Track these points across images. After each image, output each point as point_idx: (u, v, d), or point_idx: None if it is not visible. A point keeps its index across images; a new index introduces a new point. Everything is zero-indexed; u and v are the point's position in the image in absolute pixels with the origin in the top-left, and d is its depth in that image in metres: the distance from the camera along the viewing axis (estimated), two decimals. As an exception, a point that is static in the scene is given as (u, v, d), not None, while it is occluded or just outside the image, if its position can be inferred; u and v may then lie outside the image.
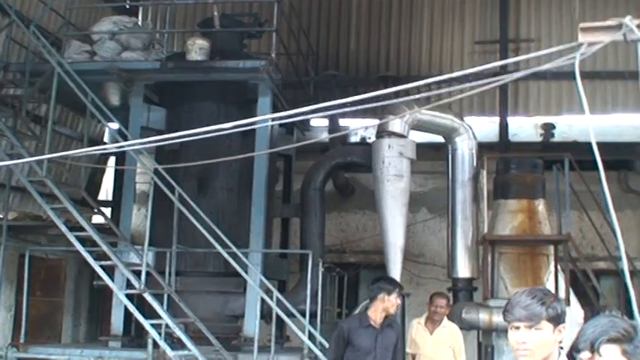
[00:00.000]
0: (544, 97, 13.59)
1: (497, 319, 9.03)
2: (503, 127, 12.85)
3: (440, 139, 11.54)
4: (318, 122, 13.71)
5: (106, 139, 14.72)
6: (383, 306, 6.38)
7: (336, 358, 6.35)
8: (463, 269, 10.19)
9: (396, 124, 9.73)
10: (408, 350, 8.22)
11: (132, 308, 7.46)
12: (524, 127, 13.30)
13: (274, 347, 8.48)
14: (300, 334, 8.10)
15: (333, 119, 12.96)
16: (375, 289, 6.44)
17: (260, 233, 9.11)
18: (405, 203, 9.66)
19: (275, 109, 10.09)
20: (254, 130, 9.48)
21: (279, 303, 8.24)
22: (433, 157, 12.89)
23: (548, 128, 13.02)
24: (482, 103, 13.59)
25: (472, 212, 10.36)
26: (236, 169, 9.84)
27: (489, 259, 9.27)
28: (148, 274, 8.23)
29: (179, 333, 7.22)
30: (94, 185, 14.22)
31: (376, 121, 13.43)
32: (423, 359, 7.79)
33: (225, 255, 8.05)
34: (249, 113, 9.68)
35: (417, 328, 7.99)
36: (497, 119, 13.36)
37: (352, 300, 13.19)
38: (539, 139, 13.14)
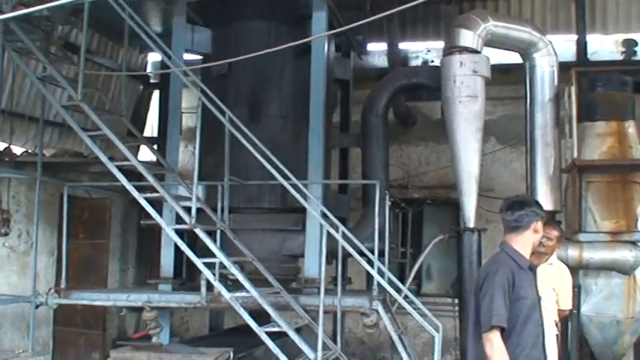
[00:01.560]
0: (623, 12, 12.31)
1: (589, 255, 8.18)
2: (582, 45, 11.68)
3: (509, 59, 10.55)
4: (376, 47, 12.74)
5: (149, 69, 14.01)
6: (534, 239, 4.63)
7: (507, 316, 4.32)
8: (545, 201, 9.18)
9: (467, 38, 8.73)
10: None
11: (182, 245, 6.78)
12: (604, 45, 12.10)
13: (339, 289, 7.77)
14: (372, 272, 7.34)
15: (392, 41, 11.97)
16: (524, 215, 4.47)
17: (319, 164, 8.35)
18: (479, 128, 8.74)
19: (331, 28, 9.19)
20: (309, 50, 8.68)
21: (344, 240, 7.45)
22: (502, 81, 11.80)
23: (630, 46, 11.81)
24: (557, 19, 12.41)
25: (554, 138, 9.40)
26: (290, 94, 9.05)
27: (578, 188, 8.30)
28: (198, 210, 7.53)
29: (235, 272, 6.54)
30: (139, 119, 13.60)
31: (440, 43, 12.55)
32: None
33: (287, 185, 7.27)
34: (303, 32, 8.82)
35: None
36: (573, 37, 12.16)
37: (416, 238, 12.42)
38: (620, 57, 11.94)
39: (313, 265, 8.12)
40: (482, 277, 4.43)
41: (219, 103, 7.67)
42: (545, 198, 9.25)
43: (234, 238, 7.28)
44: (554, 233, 6.83)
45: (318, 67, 8.59)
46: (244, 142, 7.66)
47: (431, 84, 9.22)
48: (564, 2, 12.34)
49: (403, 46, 12.58)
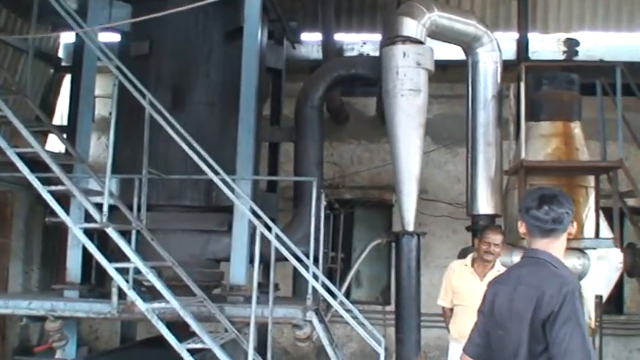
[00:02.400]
0: (565, 11, 12.13)
1: (536, 261, 7.72)
2: (523, 44, 11.38)
3: (445, 55, 10.14)
4: (310, 37, 12.13)
5: (61, 53, 12.96)
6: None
7: None
8: (485, 205, 8.89)
9: (411, 27, 8.24)
10: (440, 302, 6.87)
11: (91, 247, 5.94)
12: (545, 44, 11.85)
13: (265, 297, 7.09)
14: (310, 279, 6.70)
15: (327, 32, 11.37)
16: (564, 214, 3.39)
17: (249, 158, 7.63)
18: (422, 123, 8.25)
19: (264, 11, 8.52)
20: (240, 33, 7.98)
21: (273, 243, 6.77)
22: (438, 79, 11.30)
23: (572, 45, 11.59)
24: (496, 15, 12.11)
25: (496, 137, 9.03)
26: (218, 79, 8.32)
27: (522, 191, 7.90)
28: (111, 207, 6.71)
29: (154, 280, 5.76)
30: (48, 106, 12.53)
31: (376, 36, 12.06)
32: (468, 313, 5.62)
33: (215, 179, 6.52)
34: (234, 12, 8.13)
35: (459, 272, 6.58)
36: (513, 35, 11.86)
37: (347, 242, 11.84)
38: (562, 57, 11.71)
39: (239, 270, 7.43)
40: (556, 299, 3.21)
41: (138, 84, 6.84)
42: (486, 201, 8.91)
43: (152, 240, 6.48)
44: (499, 237, 6.46)
45: (250, 51, 7.87)
46: (167, 128, 6.85)
47: (370, 75, 8.65)
48: (506, -1, 12.05)
49: (338, 37, 11.98)
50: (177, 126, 7.01)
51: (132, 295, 5.87)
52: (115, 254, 6.43)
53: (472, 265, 6.49)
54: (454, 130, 12.07)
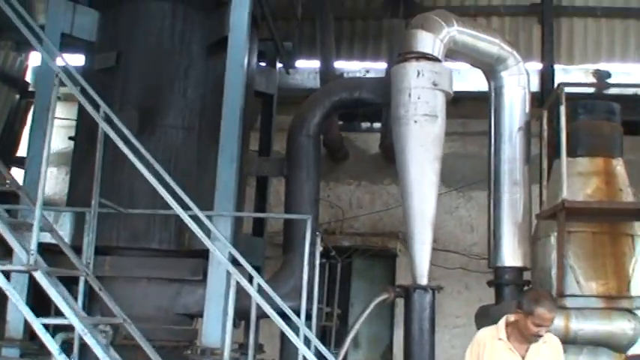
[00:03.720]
0: (592, 40, 11.12)
1: (578, 326, 6.50)
2: (547, 74, 10.32)
3: (459, 85, 9.04)
4: (306, 64, 11.08)
5: (29, 77, 11.82)
6: None
7: None
8: (511, 255, 7.69)
9: (427, 42, 7.14)
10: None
11: (13, 296, 4.63)
12: (572, 75, 10.78)
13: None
14: (300, 345, 5.38)
15: (325, 58, 10.28)
16: None
17: (230, 192, 6.46)
18: (438, 156, 7.10)
19: (254, 24, 7.44)
20: (224, 45, 6.88)
21: (260, 296, 5.55)
22: (449, 114, 10.29)
23: (602, 77, 10.51)
24: (516, 43, 11.00)
25: (523, 176, 7.83)
26: (196, 99, 7.22)
27: (561, 239, 6.67)
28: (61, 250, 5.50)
29: (89, 340, 4.46)
30: (13, 134, 11.37)
31: (380, 64, 11.01)
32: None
33: (185, 217, 5.28)
34: (219, 20, 7.04)
35: (492, 348, 5.08)
36: (535, 65, 10.80)
37: (344, 296, 10.57)
38: (591, 90, 10.63)
39: (214, 329, 6.17)
40: None
41: (97, 99, 5.66)
42: (512, 251, 7.74)
43: (99, 290, 5.19)
44: (552, 314, 4.91)
45: (235, 66, 6.80)
46: (129, 154, 5.64)
47: (377, 99, 7.52)
48: (526, 24, 11.03)
49: (338, 65, 10.91)
50: (143, 151, 5.80)
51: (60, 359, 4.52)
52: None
53: (508, 338, 4.99)
54: (467, 172, 11.00)
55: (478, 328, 8.40)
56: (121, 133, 5.83)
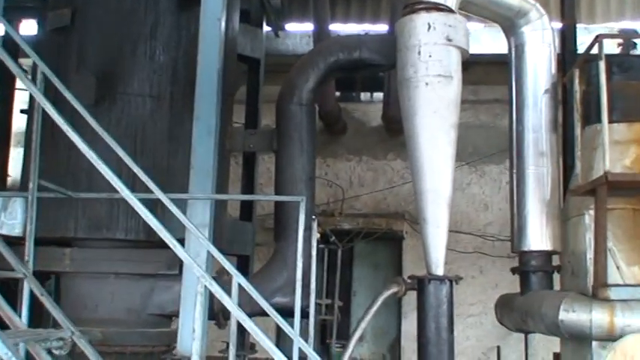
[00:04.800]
0: (614, -1, 10.15)
1: (624, 321, 5.51)
2: (569, 34, 9.26)
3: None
4: (297, 28, 10.07)
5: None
6: None
7: None
8: (539, 238, 6.71)
9: (439, -11, 6.07)
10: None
11: None
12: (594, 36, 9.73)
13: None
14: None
15: (319, 20, 9.23)
16: None
17: (208, 170, 5.47)
18: (453, 124, 6.14)
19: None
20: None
21: (244, 295, 4.64)
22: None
23: (629, 36, 9.46)
24: (532, 1, 10.03)
25: (551, 146, 6.84)
26: (167, 62, 6.19)
27: (604, 217, 5.68)
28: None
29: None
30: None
31: (380, 27, 9.99)
32: None
33: (163, 197, 4.30)
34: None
35: None
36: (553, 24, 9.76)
37: (345, 285, 9.63)
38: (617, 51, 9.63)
39: (190, 335, 5.16)
40: None
41: (39, 63, 4.62)
42: (540, 233, 6.75)
43: (41, 295, 4.19)
44: None
45: (211, 22, 5.84)
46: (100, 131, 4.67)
47: (381, 60, 6.49)
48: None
49: (334, 28, 9.87)
50: (94, 125, 4.76)
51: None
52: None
53: None
54: (479, 144, 10.05)
55: (499, 320, 7.55)
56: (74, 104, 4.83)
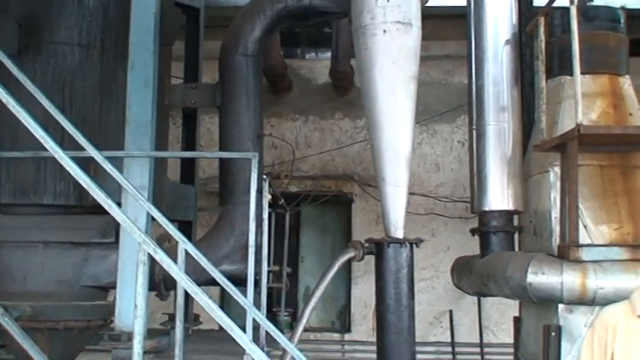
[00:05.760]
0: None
1: (597, 283, 5.24)
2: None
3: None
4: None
5: None
6: None
7: None
8: (500, 197, 6.38)
9: None
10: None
11: None
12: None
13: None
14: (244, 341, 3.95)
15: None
16: None
17: (146, 124, 4.96)
18: (413, 76, 5.74)
19: None
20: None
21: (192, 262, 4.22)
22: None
23: (592, -14, 9.21)
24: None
25: (512, 100, 6.53)
26: (97, 8, 5.63)
27: (575, 173, 5.40)
28: None
29: None
30: None
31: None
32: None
33: (99, 156, 3.80)
34: None
35: (628, 331, 3.87)
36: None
37: (291, 253, 9.23)
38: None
39: (131, 307, 4.70)
40: None
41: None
42: (501, 192, 6.41)
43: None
44: None
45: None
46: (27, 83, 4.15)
47: (332, 7, 6.07)
48: None
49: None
50: (17, 73, 4.21)
51: None
52: None
53: None
54: (430, 102, 9.72)
55: (455, 284, 7.27)
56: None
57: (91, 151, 3.72)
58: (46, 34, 5.37)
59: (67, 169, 3.19)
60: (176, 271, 3.09)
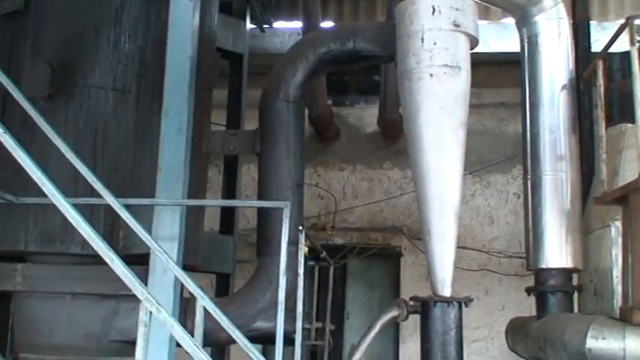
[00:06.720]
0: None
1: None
2: (583, 28, 8.61)
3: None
4: (285, 26, 9.44)
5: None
6: None
7: None
8: (557, 254, 6.03)
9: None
10: None
11: None
12: (608, 32, 9.11)
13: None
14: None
15: (309, 18, 8.56)
16: None
17: (178, 171, 4.76)
18: (462, 122, 5.49)
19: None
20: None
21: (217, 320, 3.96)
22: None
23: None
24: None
25: (570, 148, 6.19)
26: (133, 52, 5.55)
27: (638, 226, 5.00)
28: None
29: None
30: None
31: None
32: None
33: (117, 208, 3.62)
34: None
35: None
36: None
37: (337, 306, 8.89)
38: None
39: (156, 365, 4.49)
40: None
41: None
42: (559, 248, 6.04)
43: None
44: None
45: (183, 4, 5.06)
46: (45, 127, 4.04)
47: (378, 50, 5.84)
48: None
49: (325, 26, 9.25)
50: (39, 121, 4.08)
51: None
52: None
53: None
54: (484, 152, 9.38)
55: (510, 347, 6.81)
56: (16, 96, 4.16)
57: (108, 199, 3.53)
58: (79, 77, 5.29)
59: (66, 215, 3.00)
60: (180, 333, 2.82)
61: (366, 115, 9.64)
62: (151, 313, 2.82)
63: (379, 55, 5.87)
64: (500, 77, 9.34)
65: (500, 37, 9.19)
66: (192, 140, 5.08)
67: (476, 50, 6.09)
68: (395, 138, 9.33)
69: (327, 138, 9.49)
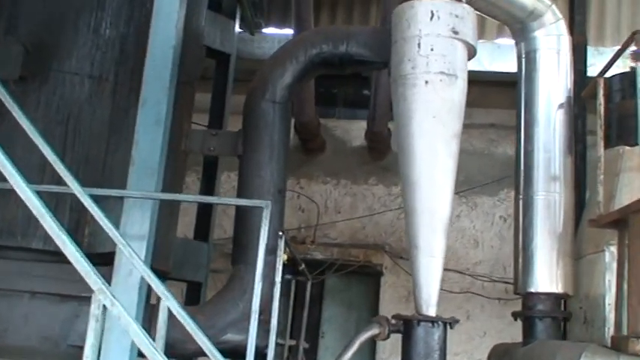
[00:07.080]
0: (626, 17, 9.41)
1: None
2: (580, 52, 8.42)
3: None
4: (276, 32, 9.20)
5: None
6: None
7: None
8: (547, 278, 5.81)
9: (444, -26, 5.21)
10: None
11: None
12: (605, 57, 8.93)
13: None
14: None
15: (301, 26, 8.30)
16: None
17: (153, 167, 4.44)
18: (456, 133, 5.26)
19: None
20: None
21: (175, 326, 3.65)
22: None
23: (643, 54, 8.73)
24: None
25: (565, 169, 5.98)
26: (114, 39, 5.24)
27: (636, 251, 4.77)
28: None
29: None
30: None
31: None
32: None
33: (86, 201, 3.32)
34: None
35: None
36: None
37: (313, 324, 8.57)
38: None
39: (115, 375, 4.15)
40: None
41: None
42: (549, 271, 5.82)
43: None
44: None
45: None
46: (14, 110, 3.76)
47: (372, 56, 5.58)
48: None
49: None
50: (14, 108, 3.78)
51: None
52: None
53: None
54: (471, 172, 9.12)
55: (492, 374, 6.57)
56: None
57: (73, 187, 3.21)
58: (55, 61, 4.97)
59: (27, 203, 2.69)
60: (136, 331, 2.51)
61: (354, 129, 9.36)
62: (104, 307, 2.49)
63: (372, 61, 5.60)
64: (491, 98, 9.13)
65: (495, 57, 8.98)
66: (170, 135, 4.79)
67: (469, 68, 5.88)
68: (382, 153, 9.08)
69: (312, 149, 9.20)
